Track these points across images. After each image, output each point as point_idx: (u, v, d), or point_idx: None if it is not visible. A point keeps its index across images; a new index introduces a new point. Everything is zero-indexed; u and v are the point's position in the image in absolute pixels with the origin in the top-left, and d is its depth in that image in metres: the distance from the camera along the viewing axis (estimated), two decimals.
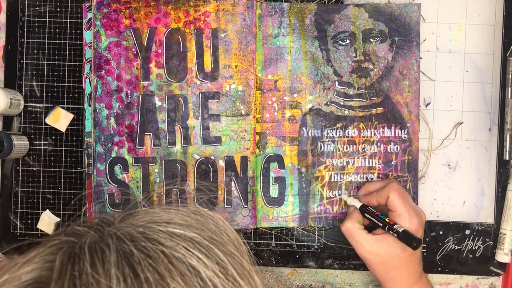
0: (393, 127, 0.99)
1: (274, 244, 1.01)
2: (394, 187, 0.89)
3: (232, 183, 0.97)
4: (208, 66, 0.97)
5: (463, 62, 1.02)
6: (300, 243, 1.01)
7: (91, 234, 0.54)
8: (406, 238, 0.84)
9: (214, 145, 0.97)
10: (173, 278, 0.49)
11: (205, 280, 0.50)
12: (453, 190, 1.02)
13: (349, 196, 0.98)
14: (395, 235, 0.85)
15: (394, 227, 0.85)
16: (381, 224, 0.88)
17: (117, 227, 0.54)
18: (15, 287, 0.48)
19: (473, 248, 1.01)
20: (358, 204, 0.93)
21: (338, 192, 0.99)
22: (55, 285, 0.47)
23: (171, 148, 0.97)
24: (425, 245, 1.01)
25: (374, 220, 0.89)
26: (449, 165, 1.01)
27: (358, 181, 0.99)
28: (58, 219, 1.01)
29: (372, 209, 0.91)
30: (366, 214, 0.91)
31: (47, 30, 1.01)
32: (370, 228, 0.92)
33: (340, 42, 0.99)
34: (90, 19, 0.99)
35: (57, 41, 1.01)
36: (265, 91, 0.99)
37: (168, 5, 0.97)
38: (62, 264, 0.49)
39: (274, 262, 1.01)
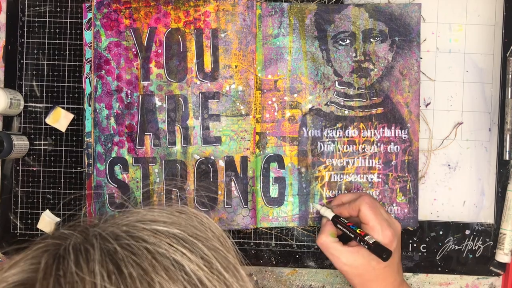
0: (393, 127, 0.99)
1: (274, 244, 1.01)
2: (365, 200, 0.89)
3: (232, 183, 0.97)
4: (208, 66, 0.97)
5: (463, 62, 1.02)
6: (300, 243, 1.01)
7: (75, 235, 0.54)
8: (376, 249, 0.84)
9: (214, 145, 0.97)
10: (157, 272, 0.49)
11: (189, 273, 0.50)
12: (453, 190, 1.02)
13: (323, 206, 0.98)
14: (366, 246, 0.86)
15: (365, 238, 0.86)
16: (353, 235, 0.88)
17: (102, 227, 0.55)
18: None
19: (473, 248, 1.01)
20: (330, 215, 0.94)
21: (338, 192, 0.99)
22: (40, 285, 0.47)
23: (171, 148, 0.97)
24: (425, 245, 1.01)
25: (345, 231, 0.90)
26: (449, 165, 1.01)
27: (358, 181, 0.99)
28: (58, 219, 1.01)
29: (344, 220, 0.91)
30: (338, 225, 0.91)
31: (47, 30, 1.01)
32: (345, 238, 0.92)
33: (340, 42, 0.99)
34: (90, 19, 0.99)
35: (57, 41, 1.01)
36: (265, 91, 0.99)
37: (168, 5, 0.97)
38: (47, 265, 0.49)
39: (274, 262, 1.01)
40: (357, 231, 0.88)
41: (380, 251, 0.84)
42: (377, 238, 0.87)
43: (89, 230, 0.55)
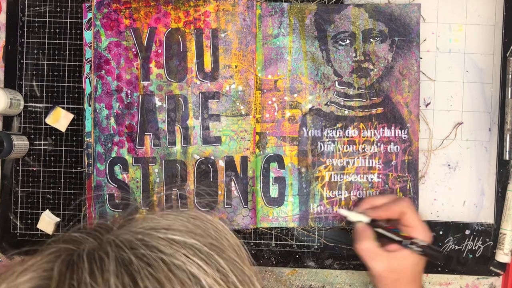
0: (393, 127, 0.99)
1: (274, 244, 1.01)
2: (409, 203, 0.88)
3: (232, 183, 0.97)
4: (208, 66, 0.97)
5: (463, 62, 1.02)
6: (300, 243, 1.01)
7: (89, 241, 0.53)
8: (430, 252, 0.84)
9: (214, 145, 0.97)
10: (173, 286, 0.48)
11: None
12: (453, 190, 1.02)
13: (350, 211, 0.93)
14: (418, 249, 0.85)
15: (415, 241, 0.85)
16: (397, 238, 0.87)
17: (116, 233, 0.54)
18: None
19: (473, 248, 1.01)
20: (365, 219, 0.90)
21: (338, 192, 0.99)
22: None
23: (171, 148, 0.97)
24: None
25: (389, 235, 0.87)
26: (449, 165, 1.01)
27: (358, 181, 0.99)
28: (58, 219, 1.01)
29: (383, 223, 0.89)
30: (377, 228, 0.89)
31: (47, 30, 1.01)
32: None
33: (340, 42, 0.99)
34: (90, 19, 0.99)
35: (57, 41, 1.01)
36: (265, 91, 0.99)
37: (168, 5, 0.97)
38: (60, 273, 0.48)
39: (274, 262, 1.01)
40: (403, 234, 0.87)
41: (434, 251, 0.84)
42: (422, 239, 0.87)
43: (103, 236, 0.54)
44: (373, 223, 0.90)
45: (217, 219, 0.61)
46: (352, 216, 0.92)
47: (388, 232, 0.88)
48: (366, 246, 0.88)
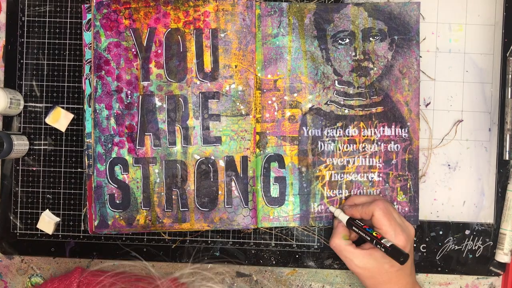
0: (393, 126, 0.99)
1: (274, 244, 1.01)
2: (379, 205, 0.90)
3: (233, 183, 0.97)
4: (208, 66, 0.97)
5: (463, 62, 1.02)
6: (300, 243, 1.01)
7: None
8: (393, 253, 0.85)
9: (214, 145, 0.97)
10: None
11: None
12: (453, 190, 1.02)
13: (337, 208, 0.98)
14: (383, 249, 0.86)
15: (382, 241, 0.86)
16: (369, 238, 0.88)
17: None
18: None
19: (473, 248, 1.01)
20: (344, 218, 0.94)
21: (339, 191, 0.99)
22: None
23: (171, 148, 0.97)
24: (425, 245, 1.01)
25: (361, 233, 0.90)
26: (449, 165, 1.01)
27: (359, 180, 0.99)
28: (58, 219, 1.01)
29: (359, 222, 0.92)
30: (353, 228, 0.92)
31: (47, 30, 1.01)
32: (359, 240, 0.93)
33: (339, 41, 0.99)
34: (89, 20, 0.99)
35: (57, 41, 1.01)
36: (265, 90, 0.99)
37: (167, 5, 0.97)
38: None
39: (274, 262, 1.01)
40: (373, 233, 0.88)
41: (397, 254, 0.84)
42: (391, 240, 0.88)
43: None
44: (352, 221, 0.93)
45: None
46: (336, 213, 0.97)
47: (360, 231, 0.90)
48: (335, 243, 0.93)
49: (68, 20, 1.01)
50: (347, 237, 0.93)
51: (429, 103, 1.01)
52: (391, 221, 0.89)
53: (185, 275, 0.70)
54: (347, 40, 0.99)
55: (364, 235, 0.89)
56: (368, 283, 0.91)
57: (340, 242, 0.92)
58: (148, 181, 0.97)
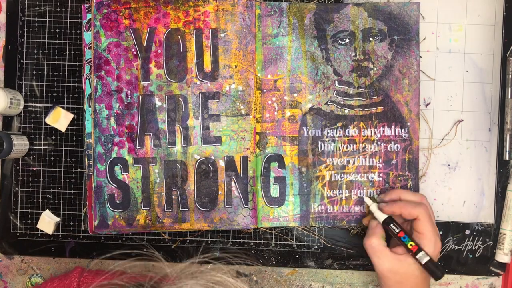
0: (393, 126, 0.99)
1: (274, 244, 1.01)
2: (427, 211, 0.89)
3: (233, 183, 0.97)
4: (208, 66, 0.97)
5: (463, 62, 1.02)
6: (300, 243, 1.01)
7: None
8: (430, 267, 0.86)
9: (214, 145, 0.97)
10: None
11: None
12: (453, 190, 1.02)
13: (373, 202, 0.96)
14: (419, 262, 0.86)
15: (418, 256, 0.87)
16: (406, 248, 0.88)
17: None
18: None
19: (473, 248, 1.01)
20: (382, 217, 0.92)
21: (339, 191, 0.99)
22: None
23: (171, 148, 0.97)
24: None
25: (396, 239, 0.90)
26: (449, 165, 1.01)
27: (359, 180, 0.99)
28: (58, 219, 1.01)
29: (396, 228, 0.90)
30: (391, 227, 0.91)
31: (47, 30, 1.01)
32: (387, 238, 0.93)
33: (339, 41, 0.99)
34: (89, 20, 0.99)
35: (57, 41, 1.01)
36: (265, 90, 0.99)
37: (167, 5, 0.97)
38: None
39: (274, 262, 1.01)
40: (408, 246, 0.88)
41: (434, 270, 0.85)
42: (429, 250, 0.87)
43: None
44: (389, 221, 0.91)
45: (242, 283, 0.60)
46: (372, 208, 0.94)
47: (397, 238, 0.90)
48: (373, 243, 0.90)
49: (68, 20, 1.01)
50: (384, 237, 0.91)
51: (429, 103, 1.01)
52: (434, 230, 0.88)
53: (195, 264, 0.70)
54: (347, 40, 0.99)
55: (400, 241, 0.89)
56: (394, 287, 0.90)
57: (379, 242, 0.90)
58: (148, 181, 0.97)
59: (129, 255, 0.75)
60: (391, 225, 0.91)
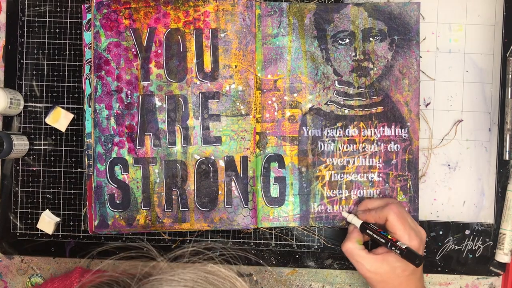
0: (393, 126, 0.99)
1: (274, 244, 1.01)
2: (393, 209, 0.90)
3: (233, 183, 0.97)
4: (208, 66, 0.97)
5: (463, 62, 1.02)
6: (300, 243, 1.01)
7: None
8: (409, 255, 0.85)
9: (214, 145, 0.97)
10: None
11: None
12: (453, 190, 1.02)
13: (350, 213, 0.98)
14: (398, 251, 0.86)
15: (397, 243, 0.87)
16: (383, 241, 0.88)
17: None
18: None
19: (473, 248, 1.01)
20: (358, 223, 0.94)
21: (339, 191, 0.99)
22: None
23: (171, 148, 0.97)
24: (425, 245, 1.01)
25: (376, 237, 0.90)
26: (449, 165, 1.01)
27: (359, 180, 0.99)
28: (58, 219, 1.01)
29: (374, 226, 0.92)
30: (367, 231, 0.92)
31: (47, 30, 1.01)
32: (371, 245, 0.93)
33: (339, 41, 0.99)
34: (89, 20, 0.99)
35: (57, 41, 1.01)
36: (265, 91, 0.99)
37: (167, 5, 0.97)
38: None
39: (274, 262, 1.01)
40: (389, 237, 0.88)
41: (412, 257, 0.85)
42: (404, 243, 0.88)
43: None
44: (366, 225, 0.93)
45: (235, 275, 0.60)
46: (349, 218, 0.97)
47: (375, 234, 0.90)
48: (348, 247, 0.92)
49: (68, 20, 1.01)
50: (361, 241, 0.93)
51: (429, 103, 1.01)
52: (405, 226, 0.89)
53: (187, 253, 0.70)
54: (347, 40, 0.99)
55: (379, 238, 0.89)
56: (379, 287, 0.91)
57: (353, 246, 0.91)
58: (148, 181, 0.97)
59: (122, 248, 0.75)
60: (369, 225, 0.92)
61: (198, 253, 0.68)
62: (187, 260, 0.65)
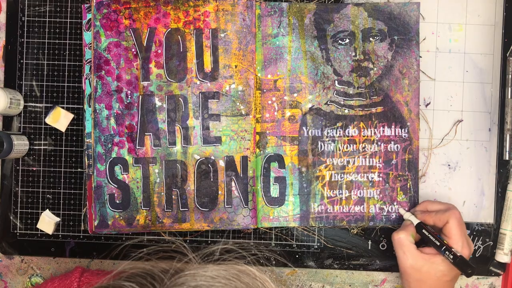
0: (393, 126, 0.99)
1: (274, 244, 1.01)
2: (456, 214, 0.91)
3: (233, 183, 0.97)
4: (208, 66, 0.97)
5: (463, 62, 1.02)
6: (300, 243, 1.01)
7: None
8: (461, 263, 0.86)
9: (214, 145, 0.97)
10: None
11: None
12: (453, 190, 1.02)
13: (407, 211, 0.98)
14: (451, 257, 0.87)
15: (452, 249, 0.88)
16: (438, 244, 0.89)
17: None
18: None
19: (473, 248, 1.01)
20: (415, 221, 0.94)
21: (339, 191, 0.99)
22: None
23: (171, 148, 0.97)
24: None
25: (431, 238, 0.91)
26: (449, 165, 1.01)
27: (359, 180, 0.99)
28: (58, 219, 1.01)
29: (430, 228, 0.93)
30: (423, 231, 0.92)
31: (47, 30, 1.01)
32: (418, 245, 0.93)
33: (339, 41, 0.99)
34: (89, 20, 0.99)
35: (57, 41, 1.01)
36: (265, 90, 0.99)
37: (167, 5, 0.97)
38: None
39: (274, 262, 1.01)
40: (444, 241, 0.89)
41: (464, 266, 0.86)
42: (456, 250, 0.89)
43: None
44: (423, 225, 0.93)
45: (266, 277, 0.60)
46: (406, 215, 0.97)
47: (431, 236, 0.91)
48: (402, 237, 0.92)
49: (68, 20, 1.01)
50: (414, 237, 0.93)
51: (429, 103, 1.01)
52: (462, 233, 0.90)
53: (218, 251, 0.70)
54: (347, 40, 0.99)
55: (434, 240, 0.90)
56: (413, 285, 0.91)
57: (406, 237, 0.91)
58: (148, 181, 0.97)
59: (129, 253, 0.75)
60: (426, 226, 0.93)
61: (229, 251, 0.68)
62: (217, 258, 0.65)
